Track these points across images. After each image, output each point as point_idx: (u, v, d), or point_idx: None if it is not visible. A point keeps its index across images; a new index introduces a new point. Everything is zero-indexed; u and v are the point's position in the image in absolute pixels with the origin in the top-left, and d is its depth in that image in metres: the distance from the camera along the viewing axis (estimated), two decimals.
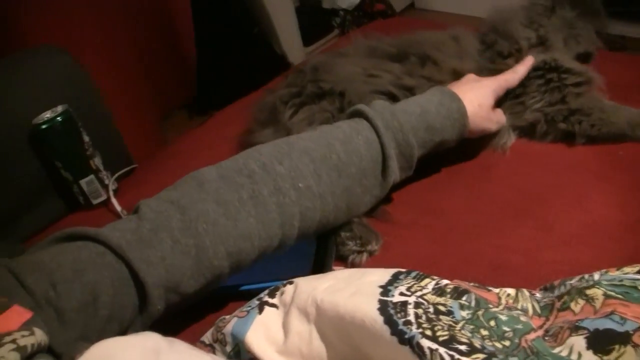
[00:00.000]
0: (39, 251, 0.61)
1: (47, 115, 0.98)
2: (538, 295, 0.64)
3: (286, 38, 2.69)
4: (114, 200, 1.02)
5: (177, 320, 0.74)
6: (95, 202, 1.04)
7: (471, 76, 0.93)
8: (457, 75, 0.95)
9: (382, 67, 0.99)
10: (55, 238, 0.63)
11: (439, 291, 0.58)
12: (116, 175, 1.09)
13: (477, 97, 0.86)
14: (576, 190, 0.83)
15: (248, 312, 0.60)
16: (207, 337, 0.63)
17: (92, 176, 1.02)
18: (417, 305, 0.53)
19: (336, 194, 0.74)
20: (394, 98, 0.93)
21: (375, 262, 0.78)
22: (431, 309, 0.53)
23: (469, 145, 0.92)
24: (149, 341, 0.46)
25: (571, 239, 0.75)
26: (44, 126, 0.96)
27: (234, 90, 2.62)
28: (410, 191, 0.89)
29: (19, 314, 0.48)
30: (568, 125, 0.90)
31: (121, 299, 0.61)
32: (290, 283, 0.62)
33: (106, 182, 1.05)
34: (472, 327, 0.52)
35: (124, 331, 0.62)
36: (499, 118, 0.91)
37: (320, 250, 0.78)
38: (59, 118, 0.97)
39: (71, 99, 1.03)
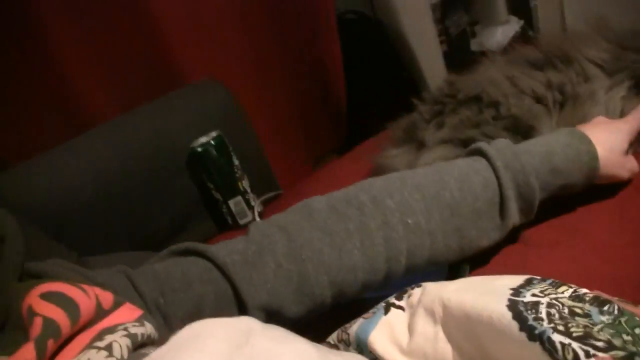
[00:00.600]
0: (155, 263, 0.66)
1: (203, 139, 1.07)
2: None
3: (434, 82, 2.70)
4: (258, 221, 1.08)
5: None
6: (242, 222, 1.11)
7: (601, 118, 0.86)
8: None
9: (524, 72, 0.96)
10: (171, 251, 0.68)
11: (577, 298, 0.54)
12: (262, 198, 1.15)
13: (609, 140, 0.79)
14: None
15: (374, 313, 0.61)
16: (332, 338, 0.64)
17: (239, 197, 1.09)
18: (550, 305, 0.50)
19: (447, 233, 0.71)
20: (538, 99, 0.91)
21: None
22: (566, 310, 0.50)
23: None
24: (242, 323, 0.47)
25: None
26: (199, 149, 1.06)
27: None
28: (549, 209, 0.83)
29: (131, 310, 0.52)
30: None
31: (223, 315, 0.62)
32: (419, 286, 0.61)
33: (252, 203, 1.11)
34: (612, 331, 0.48)
35: None
36: (632, 165, 0.82)
37: (452, 271, 0.77)
38: (212, 142, 1.06)
39: (225, 126, 1.13)
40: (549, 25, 2.97)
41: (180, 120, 1.13)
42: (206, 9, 1.80)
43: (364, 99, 2.62)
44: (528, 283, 0.56)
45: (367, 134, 2.63)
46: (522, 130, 0.91)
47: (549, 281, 0.57)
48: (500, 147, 0.75)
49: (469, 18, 2.97)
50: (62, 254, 0.88)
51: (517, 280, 0.57)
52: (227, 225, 1.13)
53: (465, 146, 0.81)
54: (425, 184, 0.72)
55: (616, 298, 0.58)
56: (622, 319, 0.50)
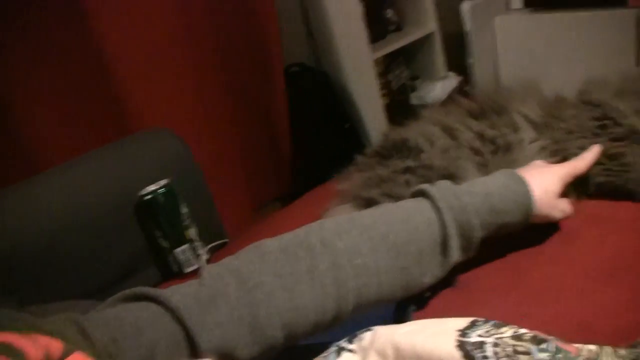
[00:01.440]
0: (105, 309, 0.65)
1: (152, 187, 1.07)
2: (622, 352, 0.62)
3: (375, 133, 2.78)
4: (210, 265, 1.08)
5: None
6: (187, 270, 1.11)
7: (539, 162, 0.92)
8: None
9: (461, 123, 1.05)
10: (121, 297, 0.67)
11: (517, 337, 0.57)
12: (209, 246, 1.16)
13: (544, 182, 0.84)
14: None
15: (326, 357, 0.62)
16: None
17: (186, 245, 1.09)
18: (495, 344, 0.53)
19: (393, 273, 0.74)
20: (476, 152, 0.98)
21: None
22: (509, 349, 0.53)
23: None
24: None
25: None
26: (147, 197, 1.06)
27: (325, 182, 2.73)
28: (497, 256, 0.88)
29: (82, 359, 0.51)
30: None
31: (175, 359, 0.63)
32: (369, 330, 0.63)
33: (199, 252, 1.12)
34: None
35: None
36: (564, 207, 0.87)
37: (399, 311, 0.79)
38: (161, 190, 1.06)
39: (177, 174, 1.14)
40: (485, 81, 3.12)
41: (131, 167, 1.13)
42: (160, 58, 1.83)
43: (308, 149, 2.67)
44: (473, 324, 0.59)
45: (311, 182, 2.67)
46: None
47: (491, 322, 0.60)
48: (442, 188, 0.79)
49: (409, 73, 3.11)
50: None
51: (463, 322, 0.60)
52: (171, 274, 1.12)
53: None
54: (372, 225, 0.75)
55: (552, 337, 0.62)
56: (559, 356, 0.54)
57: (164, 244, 1.09)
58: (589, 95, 1.05)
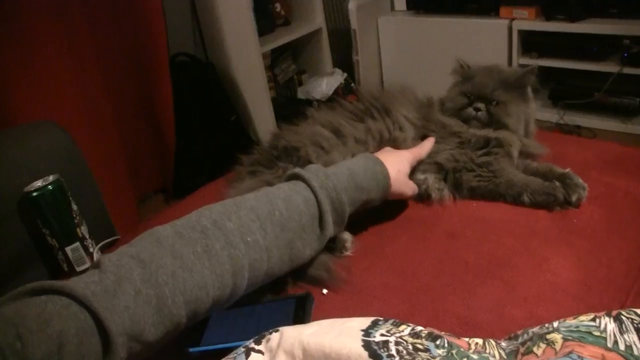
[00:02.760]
0: (3, 305, 0.63)
1: (39, 183, 1.02)
2: (503, 344, 0.69)
3: (261, 126, 2.80)
4: (106, 254, 1.05)
5: None
6: (79, 269, 1.07)
7: (388, 148, 1.08)
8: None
9: (347, 121, 1.15)
10: (20, 292, 0.64)
11: (415, 335, 0.62)
12: (100, 244, 1.12)
13: (397, 163, 1.00)
14: (538, 253, 0.90)
15: (234, 358, 0.64)
16: None
17: (77, 243, 1.05)
18: (398, 343, 0.58)
19: (280, 247, 0.81)
20: (362, 144, 1.11)
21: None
22: (410, 347, 0.58)
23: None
24: None
25: (533, 297, 0.81)
26: (34, 194, 1.00)
27: (209, 175, 2.71)
28: (386, 257, 0.95)
29: None
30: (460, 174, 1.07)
31: (85, 348, 0.62)
32: (276, 331, 0.66)
33: (91, 249, 1.08)
34: None
35: None
36: (413, 186, 1.04)
37: (298, 310, 0.83)
38: (49, 186, 1.01)
39: (62, 169, 1.08)
40: (369, 78, 3.24)
41: (14, 161, 1.07)
42: (39, 49, 1.73)
43: (193, 140, 2.63)
44: (375, 324, 0.63)
45: (196, 174, 2.64)
46: None
47: (391, 321, 0.65)
48: (313, 170, 0.91)
49: (296, 67, 3.15)
50: None
51: (365, 322, 0.64)
52: (62, 272, 1.08)
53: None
54: (257, 206, 0.82)
55: (443, 333, 0.67)
56: (453, 351, 0.59)
57: (53, 242, 1.04)
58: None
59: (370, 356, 0.54)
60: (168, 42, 2.35)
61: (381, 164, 0.97)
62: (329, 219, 0.87)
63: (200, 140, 2.67)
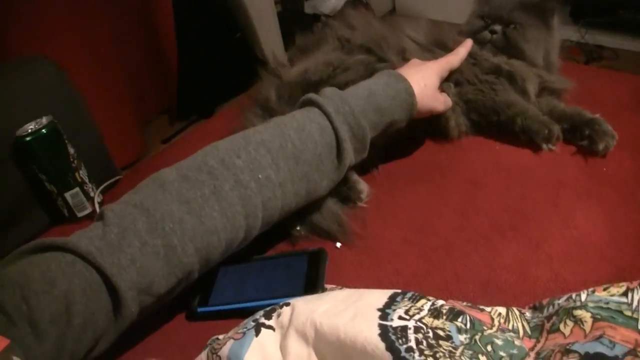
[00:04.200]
0: (5, 266, 0.61)
1: (31, 126, 0.95)
2: (528, 314, 0.65)
3: (268, 43, 2.68)
4: (110, 204, 1.01)
5: (168, 340, 0.74)
6: (80, 215, 1.02)
7: (416, 60, 0.97)
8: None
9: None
10: (22, 252, 0.63)
11: (435, 312, 0.58)
12: (101, 187, 1.08)
13: (423, 77, 0.91)
14: (564, 207, 0.84)
15: (244, 333, 0.60)
16: (201, 359, 0.63)
17: (77, 189, 1.01)
18: (417, 330, 0.54)
19: (295, 181, 0.76)
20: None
21: (369, 277, 0.78)
22: (431, 334, 0.54)
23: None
24: None
25: (558, 256, 0.76)
26: (28, 138, 0.94)
27: (214, 95, 2.64)
28: (403, 209, 0.89)
29: None
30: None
31: (94, 306, 0.61)
32: (287, 305, 0.62)
33: (91, 194, 1.03)
34: (471, 352, 0.53)
35: (97, 338, 0.63)
36: (445, 99, 0.95)
37: (311, 268, 0.78)
38: (43, 130, 0.95)
39: (56, 109, 1.01)
40: None
41: (3, 101, 1.00)
42: None
43: (196, 59, 2.54)
44: (392, 301, 0.59)
45: (199, 93, 2.57)
46: None
47: (409, 295, 0.61)
48: (329, 94, 0.82)
49: None
50: None
51: (382, 297, 0.60)
52: (62, 218, 1.04)
53: None
54: (268, 138, 0.76)
55: (464, 305, 0.63)
56: (477, 337, 0.55)
57: (51, 187, 0.99)
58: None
59: (387, 349, 0.50)
60: None
61: (404, 80, 0.88)
62: (347, 147, 0.80)
63: (204, 59, 2.57)
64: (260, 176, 0.72)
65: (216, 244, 0.69)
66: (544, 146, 0.95)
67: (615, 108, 1.01)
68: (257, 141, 0.75)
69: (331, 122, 0.79)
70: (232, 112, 1.18)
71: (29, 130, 0.95)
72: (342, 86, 0.88)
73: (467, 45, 1.01)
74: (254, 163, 0.73)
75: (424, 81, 0.90)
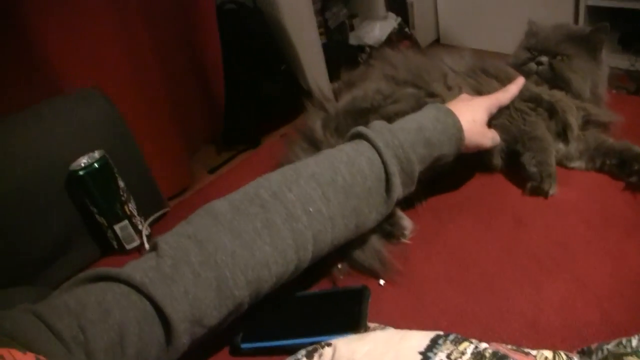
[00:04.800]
0: (63, 294, 0.62)
1: (84, 160, 0.99)
2: (575, 358, 0.63)
3: (313, 74, 2.72)
4: (147, 247, 1.03)
5: None
6: (128, 247, 1.05)
7: (465, 95, 0.98)
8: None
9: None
10: (78, 280, 0.65)
11: (479, 356, 0.57)
12: (149, 220, 1.10)
13: (472, 113, 0.91)
14: (611, 243, 0.82)
15: None
16: None
17: (126, 221, 1.03)
18: None
19: (345, 215, 0.77)
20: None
21: (412, 315, 0.78)
22: None
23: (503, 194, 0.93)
24: None
25: (607, 296, 0.74)
26: (81, 172, 0.97)
27: (260, 125, 2.68)
28: (446, 244, 0.89)
29: None
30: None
31: (147, 337, 0.62)
32: (329, 345, 0.62)
33: (140, 227, 1.06)
34: None
35: None
36: (494, 135, 0.95)
37: (355, 305, 0.78)
38: (96, 164, 0.98)
39: (107, 143, 1.05)
40: (424, 23, 3.09)
41: (58, 135, 1.03)
42: (79, 6, 1.68)
43: (243, 90, 2.58)
44: (434, 343, 0.58)
45: (246, 124, 2.61)
46: None
47: (451, 337, 0.60)
48: (378, 128, 0.83)
49: (348, 11, 3.02)
50: None
51: (424, 340, 0.59)
52: (112, 249, 1.07)
53: None
54: (318, 172, 0.76)
55: (509, 348, 0.62)
56: None
57: (101, 220, 1.03)
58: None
59: None
60: None
61: (453, 114, 0.88)
62: (396, 180, 0.80)
63: (251, 89, 2.61)
64: (311, 209, 0.73)
65: (267, 277, 0.70)
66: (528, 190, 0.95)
67: None
68: (308, 174, 0.76)
69: (381, 155, 0.80)
70: (278, 142, 1.19)
71: (82, 165, 0.98)
72: (391, 117, 0.89)
73: (518, 83, 1.00)
74: (305, 196, 0.73)
75: (473, 116, 0.90)
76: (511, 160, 1.00)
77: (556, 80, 1.02)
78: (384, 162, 0.80)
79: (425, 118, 0.87)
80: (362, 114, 1.00)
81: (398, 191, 0.82)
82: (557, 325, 0.72)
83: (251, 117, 2.63)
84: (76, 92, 1.15)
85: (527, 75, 1.05)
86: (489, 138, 0.94)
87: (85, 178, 0.98)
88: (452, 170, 0.97)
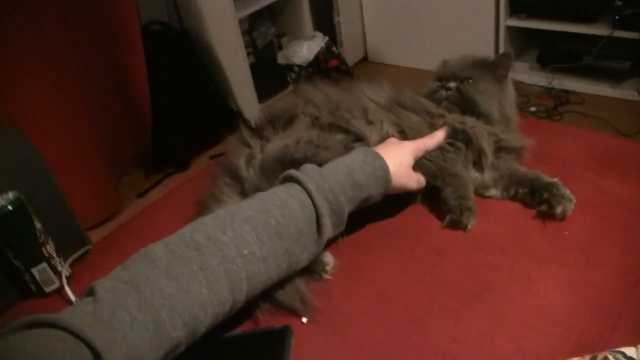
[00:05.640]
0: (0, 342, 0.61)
1: None
2: None
3: (241, 95, 2.71)
4: (67, 289, 1.00)
5: None
6: (47, 290, 1.01)
7: (393, 139, 1.02)
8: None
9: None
10: (13, 328, 0.63)
11: None
12: (69, 260, 1.07)
13: (398, 156, 0.96)
14: (526, 273, 0.86)
15: None
16: None
17: (44, 264, 1.00)
18: None
19: (278, 256, 0.79)
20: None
21: (334, 355, 0.78)
22: None
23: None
24: None
25: (521, 326, 0.77)
26: None
27: (189, 147, 2.65)
28: (367, 279, 0.90)
29: None
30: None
31: None
32: None
33: (59, 268, 1.02)
34: None
35: None
36: (419, 178, 1.00)
37: (277, 346, 0.79)
38: (9, 207, 0.94)
39: (22, 182, 1.01)
40: (351, 41, 3.13)
41: None
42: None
43: (170, 112, 2.55)
44: None
45: (173, 146, 2.57)
46: None
47: None
48: (309, 171, 0.86)
49: (276, 30, 3.03)
50: None
51: None
52: (31, 293, 1.02)
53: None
54: (252, 215, 0.79)
55: None
56: None
57: (17, 263, 0.98)
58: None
59: None
60: (139, 10, 2.24)
61: (380, 158, 0.93)
62: (327, 222, 0.84)
63: (178, 110, 2.58)
64: (245, 251, 0.75)
65: (203, 317, 0.71)
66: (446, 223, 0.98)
67: (576, 168, 1.04)
68: (242, 218, 0.78)
69: (312, 198, 0.83)
70: (207, 164, 1.18)
71: None
72: (323, 164, 0.91)
73: (442, 132, 1.05)
74: (239, 239, 0.75)
75: (399, 160, 0.95)
76: (429, 195, 1.03)
77: (465, 104, 1.08)
78: (314, 205, 0.83)
79: (353, 161, 0.91)
80: (295, 164, 1.01)
81: (328, 231, 0.85)
82: (475, 359, 0.74)
83: (179, 140, 2.60)
84: None
85: (437, 102, 1.10)
86: (415, 180, 0.98)
87: None
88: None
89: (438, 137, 1.04)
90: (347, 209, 0.87)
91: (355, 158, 0.92)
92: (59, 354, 0.60)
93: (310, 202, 0.83)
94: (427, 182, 1.01)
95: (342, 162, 0.91)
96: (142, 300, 0.66)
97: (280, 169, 0.94)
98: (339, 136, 1.05)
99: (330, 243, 0.95)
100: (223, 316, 0.75)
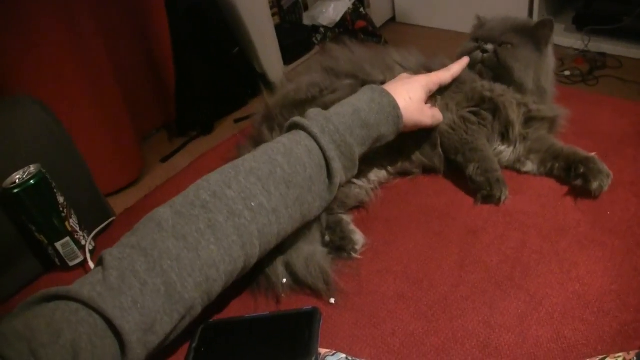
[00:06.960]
0: (12, 320, 0.61)
1: (19, 176, 0.93)
2: None
3: (266, 57, 2.66)
4: (90, 263, 0.99)
5: None
6: (72, 264, 1.00)
7: (404, 75, 0.98)
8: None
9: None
10: (27, 303, 0.63)
11: None
12: (93, 233, 1.05)
13: (408, 90, 0.92)
14: (566, 257, 0.82)
15: None
16: None
17: (67, 238, 0.98)
18: None
19: (289, 206, 0.77)
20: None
21: (365, 338, 0.76)
22: None
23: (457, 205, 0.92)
24: None
25: (560, 313, 0.74)
26: (15, 190, 0.91)
27: (213, 110, 2.62)
28: (399, 261, 0.87)
29: None
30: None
31: (101, 352, 0.61)
32: None
33: (83, 242, 1.01)
34: None
35: None
36: (435, 113, 0.96)
37: (304, 329, 0.76)
38: (32, 181, 0.92)
39: (44, 155, 1.00)
40: (379, 2, 3.04)
41: None
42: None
43: (194, 74, 2.51)
44: None
45: (197, 109, 2.55)
46: None
47: None
48: (312, 115, 0.83)
49: None
50: None
51: None
52: (55, 266, 1.02)
53: None
54: (256, 166, 0.77)
55: None
56: None
57: (41, 238, 0.97)
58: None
59: None
60: None
61: (388, 94, 0.89)
62: (336, 165, 0.82)
63: (202, 74, 2.55)
64: (253, 204, 0.73)
65: (216, 276, 0.70)
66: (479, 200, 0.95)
67: (619, 144, 0.98)
68: (247, 170, 0.76)
69: (317, 142, 0.81)
70: (231, 128, 1.16)
71: (17, 181, 0.93)
72: (328, 106, 0.88)
73: (462, 63, 1.01)
74: (245, 192, 0.74)
75: (409, 94, 0.91)
76: (458, 171, 0.99)
77: (499, 70, 1.01)
78: (321, 149, 0.81)
79: (359, 100, 0.87)
80: (297, 106, 0.99)
81: (340, 176, 0.83)
82: (511, 345, 0.71)
83: (204, 103, 2.57)
84: (4, 101, 1.08)
85: (473, 64, 1.04)
86: (429, 116, 0.95)
87: (20, 196, 0.92)
88: (401, 170, 1.00)
89: (454, 70, 1.00)
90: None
91: (361, 97, 0.88)
92: (73, 326, 0.60)
93: (317, 147, 0.81)
94: (448, 156, 0.98)
95: (348, 102, 0.87)
96: (150, 263, 0.66)
97: (286, 117, 0.92)
98: (348, 81, 1.01)
99: (360, 222, 0.92)
100: (238, 274, 0.74)
